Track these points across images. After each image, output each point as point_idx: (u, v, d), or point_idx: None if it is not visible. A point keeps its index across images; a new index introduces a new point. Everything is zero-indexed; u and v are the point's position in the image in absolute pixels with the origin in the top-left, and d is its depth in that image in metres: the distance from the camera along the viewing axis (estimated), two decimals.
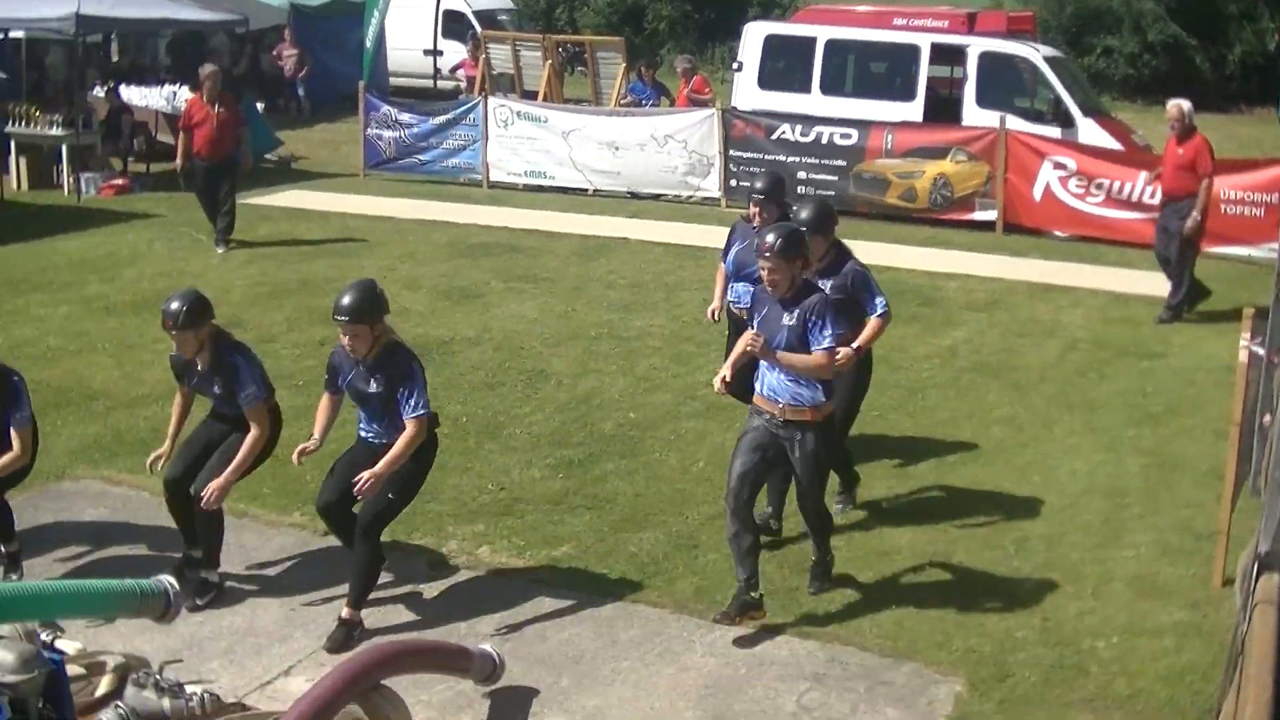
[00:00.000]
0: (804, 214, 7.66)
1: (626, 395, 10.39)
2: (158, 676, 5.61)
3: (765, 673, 6.53)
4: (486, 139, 18.87)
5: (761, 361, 6.85)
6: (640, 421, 9.84)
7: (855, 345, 7.56)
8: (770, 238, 6.76)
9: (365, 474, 6.69)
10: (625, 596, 7.24)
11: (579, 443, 9.39)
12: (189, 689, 5.63)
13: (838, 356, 6.93)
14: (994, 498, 8.52)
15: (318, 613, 7.08)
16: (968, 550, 7.80)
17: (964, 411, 10.05)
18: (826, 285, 7.37)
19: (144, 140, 20.05)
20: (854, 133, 17.07)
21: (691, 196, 17.83)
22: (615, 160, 18.21)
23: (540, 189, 18.64)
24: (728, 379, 7.07)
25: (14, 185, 18.63)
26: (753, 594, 6.87)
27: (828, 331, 6.73)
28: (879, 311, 7.75)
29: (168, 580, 5.38)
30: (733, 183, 17.53)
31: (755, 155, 17.46)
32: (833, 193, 16.55)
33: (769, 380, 6.86)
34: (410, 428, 6.79)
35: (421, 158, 19.50)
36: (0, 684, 4.42)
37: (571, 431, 9.64)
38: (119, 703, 5.52)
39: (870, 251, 14.86)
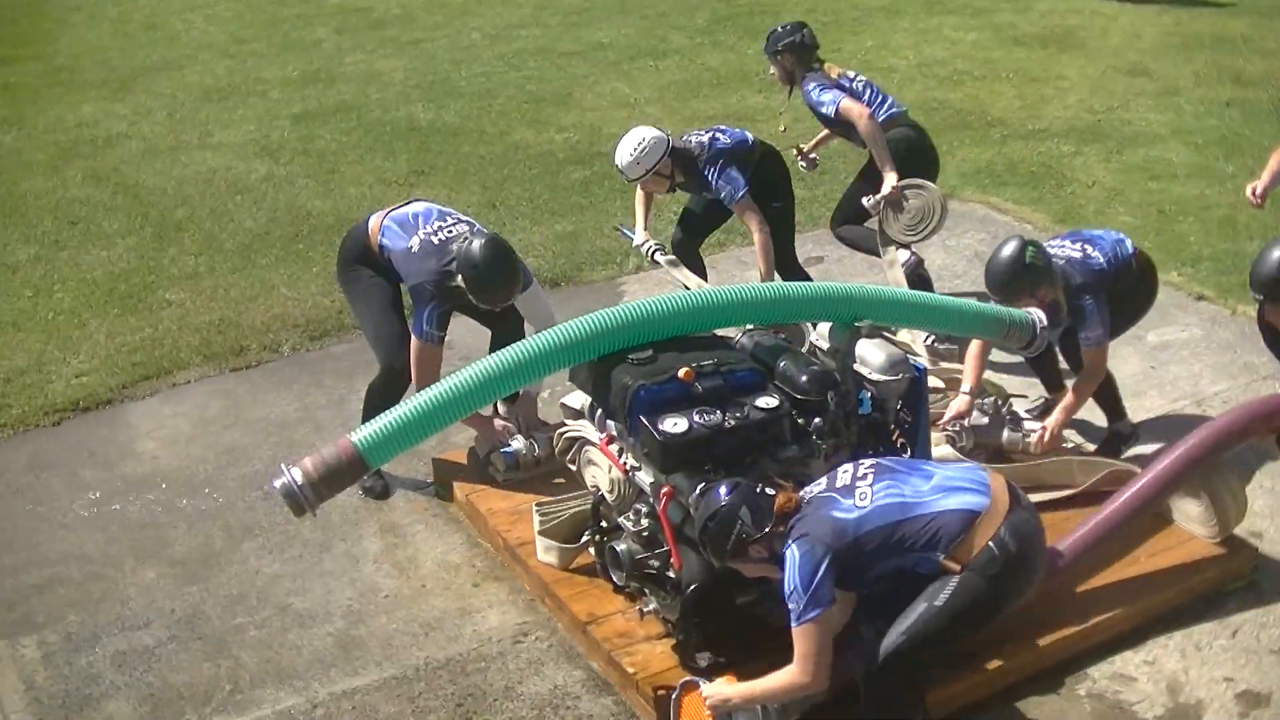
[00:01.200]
0: None
1: None
2: (999, 403, 5.85)
3: None
4: None
5: None
6: None
7: None
8: None
9: None
10: None
11: None
12: (1027, 425, 5.81)
13: None
14: None
15: None
16: None
17: None
18: None
19: None
20: None
21: None
22: None
23: None
24: None
25: None
26: None
27: None
28: None
29: (1037, 314, 5.27)
30: None
31: None
32: None
33: None
34: None
35: None
36: (866, 380, 4.82)
37: None
38: (964, 422, 5.82)
39: None
